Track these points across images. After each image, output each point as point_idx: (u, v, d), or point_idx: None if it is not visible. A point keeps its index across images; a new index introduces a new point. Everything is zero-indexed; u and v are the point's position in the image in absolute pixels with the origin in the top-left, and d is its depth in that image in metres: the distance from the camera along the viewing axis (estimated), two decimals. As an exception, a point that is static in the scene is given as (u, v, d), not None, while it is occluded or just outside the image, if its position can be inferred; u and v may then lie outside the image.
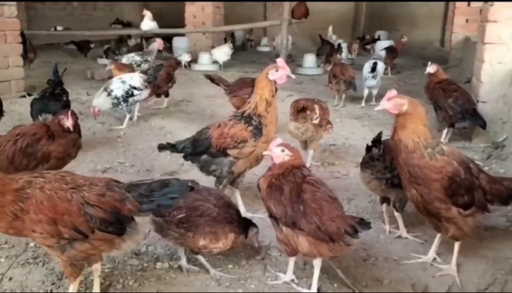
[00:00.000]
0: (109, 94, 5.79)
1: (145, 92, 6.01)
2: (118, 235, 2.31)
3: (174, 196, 2.33)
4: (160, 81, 6.74)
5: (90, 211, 2.22)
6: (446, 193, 2.62)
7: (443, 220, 2.74)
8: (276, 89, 3.51)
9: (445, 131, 5.35)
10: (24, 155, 3.28)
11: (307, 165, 4.49)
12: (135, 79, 5.92)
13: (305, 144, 4.54)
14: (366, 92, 7.28)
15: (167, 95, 7.03)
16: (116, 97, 5.77)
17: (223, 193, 2.90)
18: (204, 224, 2.59)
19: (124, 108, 5.87)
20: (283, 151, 2.57)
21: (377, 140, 3.18)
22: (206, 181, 3.54)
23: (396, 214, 3.24)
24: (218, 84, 6.13)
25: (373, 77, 7.11)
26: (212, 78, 6.14)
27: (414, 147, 2.63)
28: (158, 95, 6.95)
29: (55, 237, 2.21)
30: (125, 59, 8.42)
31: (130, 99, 5.85)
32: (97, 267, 2.44)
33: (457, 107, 5.12)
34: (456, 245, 2.84)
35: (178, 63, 7.39)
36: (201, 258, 2.75)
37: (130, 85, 5.83)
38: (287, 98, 6.46)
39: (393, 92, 2.75)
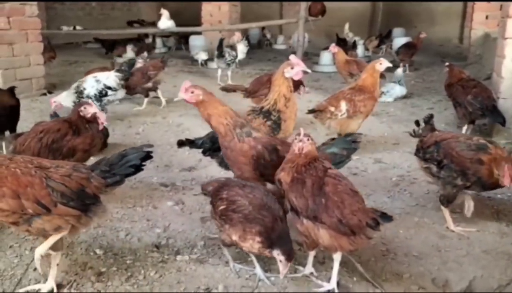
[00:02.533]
0: (81, 93, 5.59)
1: (121, 93, 5.87)
2: (81, 211, 2.38)
3: (133, 163, 2.44)
4: (134, 81, 6.54)
5: (52, 184, 2.32)
6: (255, 173, 2.84)
7: None
8: (303, 83, 3.59)
9: (465, 128, 5.29)
10: (49, 150, 3.32)
11: None
12: (111, 78, 5.72)
13: (339, 136, 4.71)
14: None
15: (146, 95, 6.81)
16: (89, 97, 5.54)
17: (268, 192, 2.66)
18: (237, 220, 2.51)
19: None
20: (308, 139, 2.57)
21: (425, 120, 3.53)
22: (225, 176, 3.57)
23: (442, 207, 3.32)
24: (235, 91, 6.17)
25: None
26: (227, 89, 6.20)
27: (225, 131, 2.84)
28: (133, 94, 6.74)
29: (17, 213, 2.29)
30: (227, 54, 8.75)
31: (104, 99, 5.67)
32: (57, 255, 2.52)
33: (476, 104, 5.06)
34: None
35: (163, 62, 7.01)
36: (224, 250, 2.76)
37: (104, 85, 5.64)
38: (303, 95, 6.46)
39: (187, 83, 2.90)
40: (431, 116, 3.56)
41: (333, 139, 3.14)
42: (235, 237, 2.52)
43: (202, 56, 11.05)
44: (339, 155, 2.89)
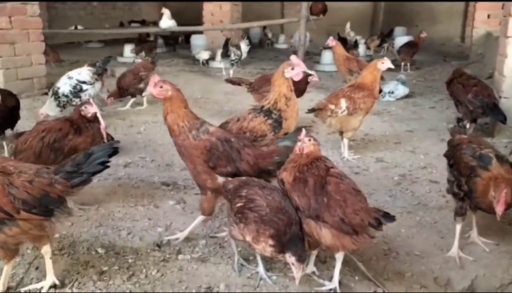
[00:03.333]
0: (56, 93, 5.49)
1: (98, 85, 5.78)
2: (45, 217, 2.37)
3: (101, 160, 2.45)
4: (126, 82, 6.54)
5: (14, 191, 2.29)
6: (208, 165, 2.86)
7: (208, 192, 2.96)
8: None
9: (467, 126, 5.28)
10: (51, 149, 3.31)
11: (344, 154, 4.72)
12: (83, 73, 5.66)
13: (341, 135, 4.78)
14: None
15: (133, 95, 6.72)
16: (64, 95, 5.49)
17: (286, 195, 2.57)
18: (252, 219, 2.44)
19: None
20: (310, 140, 2.56)
21: (457, 121, 3.51)
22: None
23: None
24: (239, 84, 6.18)
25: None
26: (232, 81, 6.21)
27: (179, 131, 2.88)
28: (125, 96, 6.68)
29: None
30: (233, 54, 9.04)
31: (82, 95, 5.53)
32: (47, 249, 2.49)
33: (477, 102, 5.07)
34: (198, 219, 3.05)
35: (153, 63, 6.99)
36: (233, 244, 2.73)
37: (77, 80, 5.58)
38: (305, 95, 6.46)
39: (155, 77, 2.93)
40: (460, 119, 3.49)
41: (286, 133, 3.23)
42: (248, 238, 2.46)
43: (203, 55, 11.05)
44: (292, 148, 2.93)
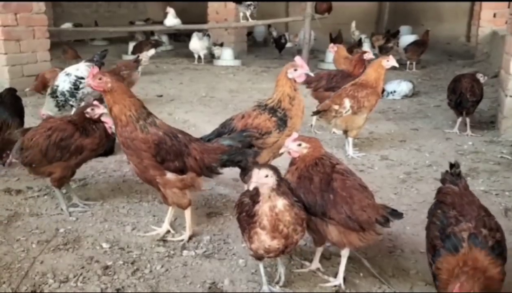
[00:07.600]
0: (54, 92, 5.34)
1: None
2: None
3: None
4: None
5: None
6: (156, 160, 2.82)
7: (161, 187, 2.92)
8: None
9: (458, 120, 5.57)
10: (57, 148, 3.29)
11: (349, 153, 4.70)
12: (82, 69, 5.44)
13: (345, 133, 4.77)
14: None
15: None
16: (63, 94, 5.34)
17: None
18: (244, 221, 2.35)
19: (75, 105, 5.30)
20: (300, 145, 2.48)
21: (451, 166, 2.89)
22: (232, 172, 3.56)
23: None
24: None
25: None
26: None
27: (127, 121, 2.81)
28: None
29: None
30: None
31: (80, 93, 5.41)
32: None
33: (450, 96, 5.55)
34: (187, 215, 3.03)
35: (137, 61, 6.88)
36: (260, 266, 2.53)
37: (76, 76, 5.38)
38: (307, 96, 6.43)
39: (95, 69, 2.87)
40: (453, 165, 2.61)
41: (230, 133, 3.31)
42: (251, 244, 2.32)
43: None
44: (234, 147, 3.03)
